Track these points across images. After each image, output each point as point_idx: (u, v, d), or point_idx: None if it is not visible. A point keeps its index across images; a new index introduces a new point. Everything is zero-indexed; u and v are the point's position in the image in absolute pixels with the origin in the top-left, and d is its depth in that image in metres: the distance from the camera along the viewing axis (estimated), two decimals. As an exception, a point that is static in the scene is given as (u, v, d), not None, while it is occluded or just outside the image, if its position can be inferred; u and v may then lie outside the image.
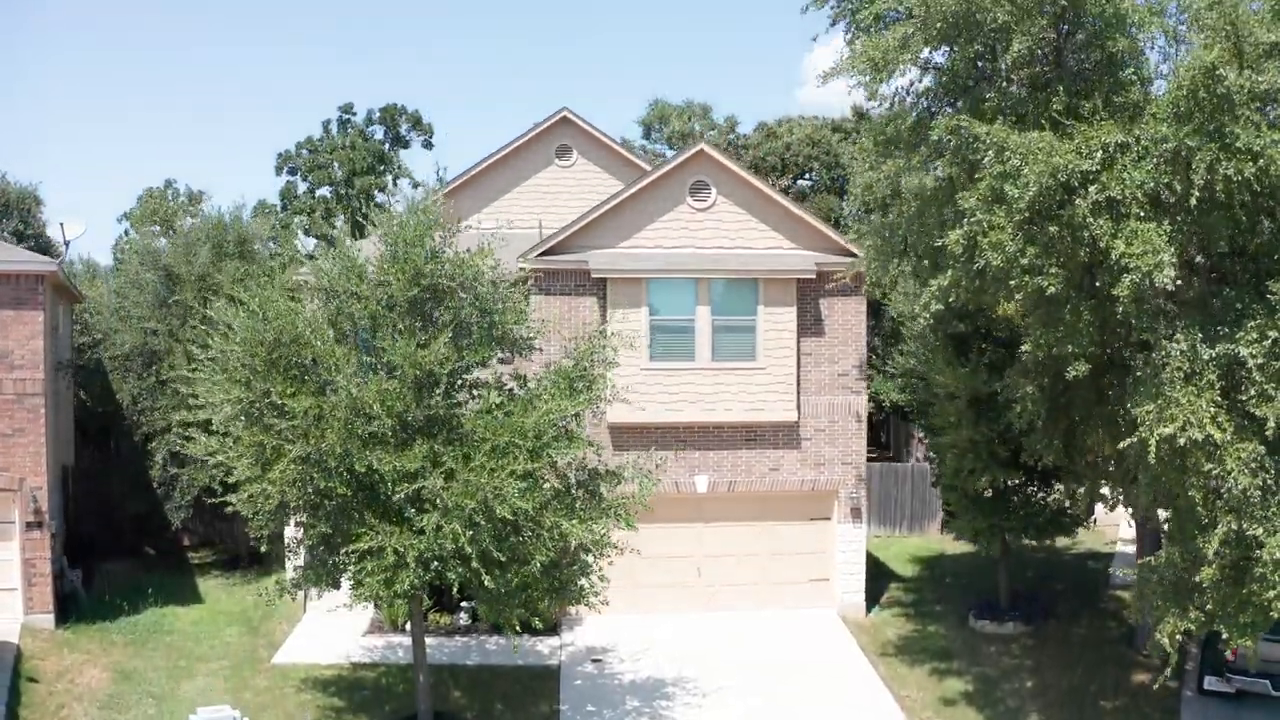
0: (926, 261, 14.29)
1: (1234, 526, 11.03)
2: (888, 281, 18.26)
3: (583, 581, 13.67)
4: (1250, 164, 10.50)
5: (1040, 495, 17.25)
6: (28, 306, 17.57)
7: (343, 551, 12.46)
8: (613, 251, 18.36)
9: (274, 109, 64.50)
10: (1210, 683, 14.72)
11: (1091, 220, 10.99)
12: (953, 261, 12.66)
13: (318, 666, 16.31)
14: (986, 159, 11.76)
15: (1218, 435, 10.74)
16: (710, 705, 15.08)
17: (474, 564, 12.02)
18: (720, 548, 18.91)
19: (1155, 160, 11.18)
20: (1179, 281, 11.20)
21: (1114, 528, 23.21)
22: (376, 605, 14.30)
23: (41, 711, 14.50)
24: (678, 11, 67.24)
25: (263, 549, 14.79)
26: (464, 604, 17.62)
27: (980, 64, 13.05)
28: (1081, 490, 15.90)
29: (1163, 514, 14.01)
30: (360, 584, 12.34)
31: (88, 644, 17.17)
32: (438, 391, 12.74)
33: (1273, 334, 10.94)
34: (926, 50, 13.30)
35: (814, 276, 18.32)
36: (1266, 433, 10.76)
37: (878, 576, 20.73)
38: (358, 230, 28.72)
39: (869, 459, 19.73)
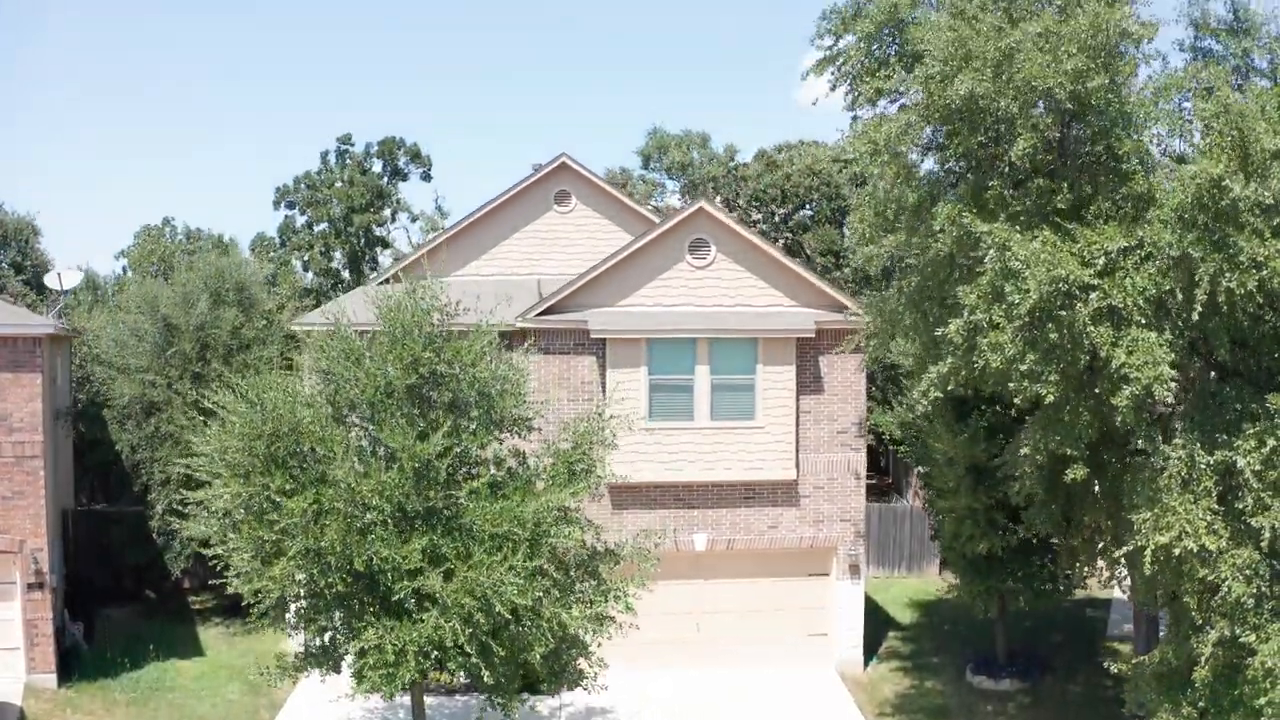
0: (926, 340, 14.30)
1: (1227, 632, 11.10)
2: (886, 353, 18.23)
3: (582, 663, 13.75)
4: (1253, 277, 10.49)
5: (1038, 561, 17.31)
6: (26, 369, 17.58)
7: (343, 648, 12.51)
8: (612, 311, 18.34)
9: (273, 140, 64.35)
10: None
11: (1092, 328, 10.99)
12: (952, 350, 12.68)
13: (319, 731, 16.39)
14: (988, 257, 11.74)
15: (1212, 545, 10.79)
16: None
17: (473, 658, 12.12)
18: (719, 603, 18.98)
19: (1158, 265, 11.18)
20: (1178, 388, 11.22)
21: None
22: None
23: (45, 779, 14.60)
24: (674, 28, 66.87)
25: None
26: (464, 664, 17.67)
27: (983, 151, 12.99)
28: (1079, 563, 15.96)
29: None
30: (362, 677, 12.41)
31: (90, 704, 17.28)
32: (437, 484, 12.76)
33: (1271, 442, 10.97)
34: (929, 129, 13.31)
35: (813, 335, 18.31)
36: (1261, 543, 10.80)
37: (876, 623, 20.81)
38: (355, 266, 28.75)
39: (868, 483, 19.72)
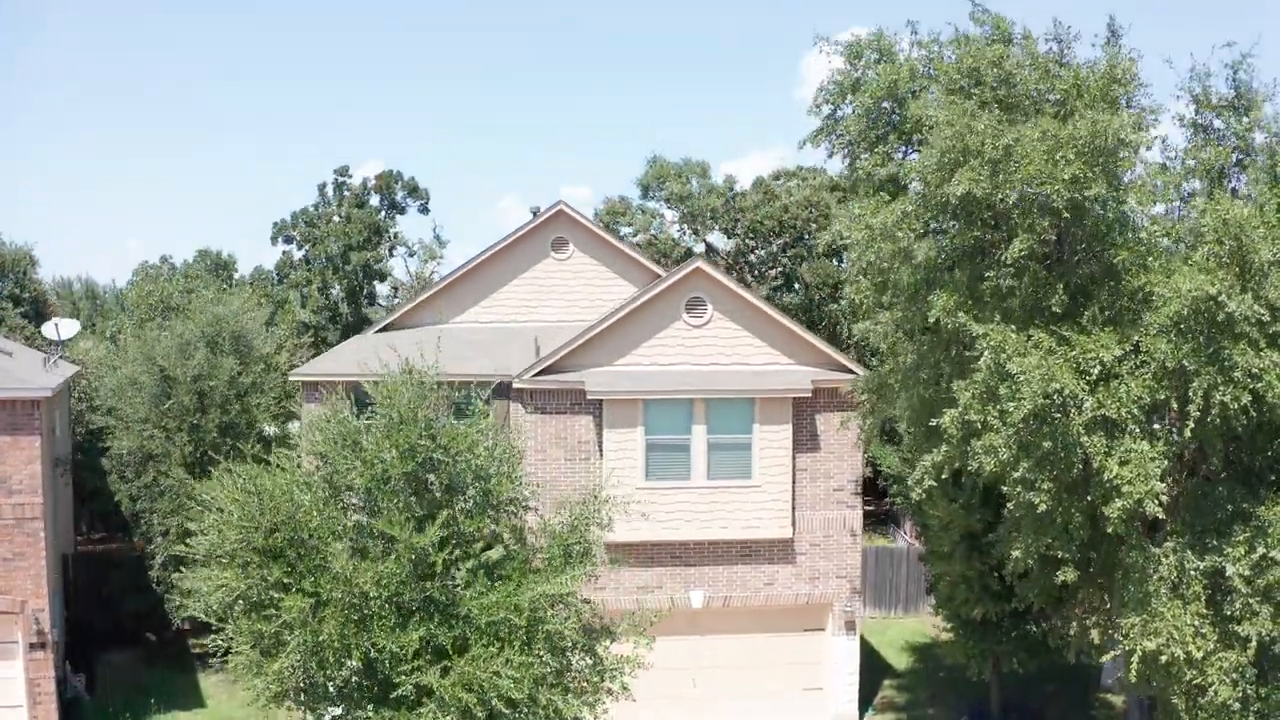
0: (922, 416, 14.37)
1: (1216, 732, 11.24)
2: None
3: (579, 737, 13.85)
4: (1247, 392, 10.55)
5: (1033, 627, 17.42)
6: (25, 431, 17.65)
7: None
8: (609, 371, 18.39)
9: (272, 171, 64.32)
10: None
11: (1086, 438, 11.05)
12: (946, 439, 12.75)
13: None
14: (983, 359, 11.79)
15: (1199, 653, 10.90)
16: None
17: (470, 750, 12.24)
18: (715, 659, 19.11)
19: (1153, 370, 11.23)
20: (1169, 493, 11.31)
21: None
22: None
23: None
24: (674, 28, 66.56)
25: None
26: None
27: (979, 243, 13.01)
28: (1072, 634, 16.06)
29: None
30: (361, 766, 12.53)
31: (92, 762, 17.45)
32: (435, 574, 12.84)
33: (1260, 549, 11.06)
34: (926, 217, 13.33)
35: (810, 394, 18.37)
36: (1248, 651, 10.91)
37: (872, 669, 20.97)
38: (353, 300, 28.77)
39: (865, 509, 19.77)
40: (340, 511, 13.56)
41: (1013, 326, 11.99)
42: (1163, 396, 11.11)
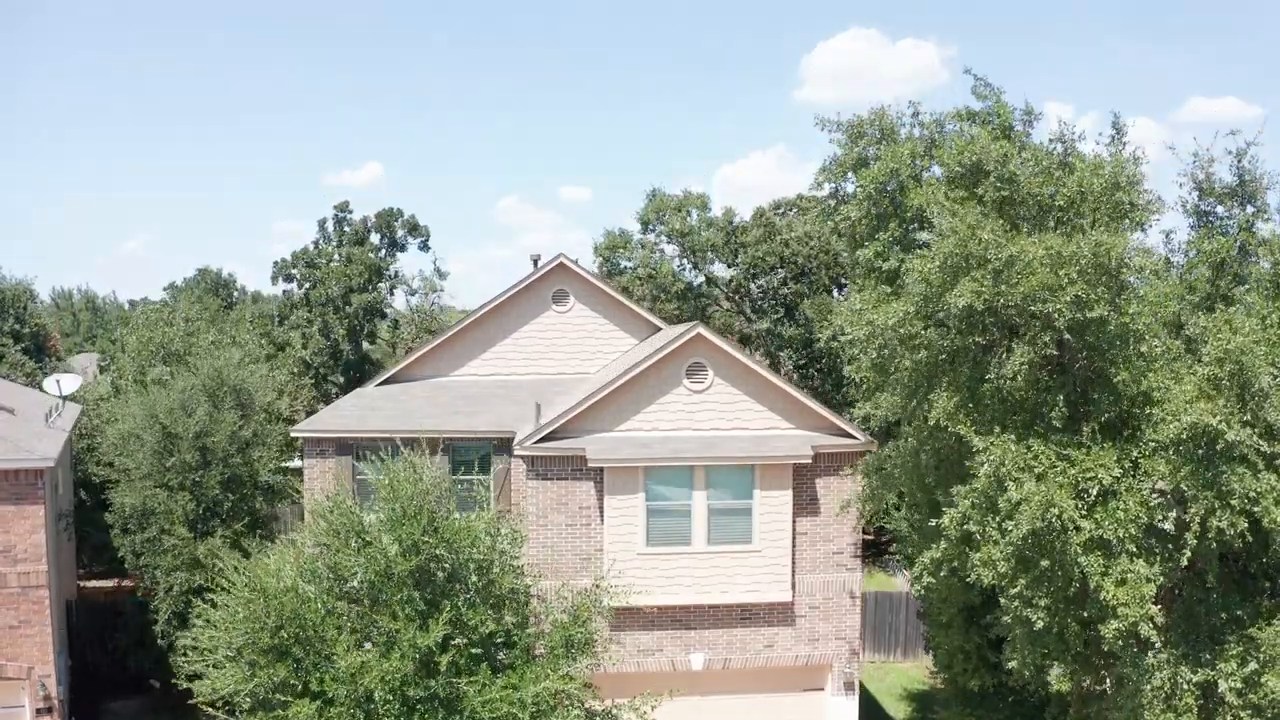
0: (922, 504, 14.48)
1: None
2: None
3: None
4: (1244, 518, 10.65)
5: (1031, 699, 17.58)
6: (28, 501, 17.76)
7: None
8: (610, 438, 18.47)
9: (272, 203, 64.17)
10: None
11: (1083, 558, 11.15)
12: (945, 536, 12.85)
13: None
14: (982, 471, 11.88)
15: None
16: None
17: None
18: (716, 719, 19.27)
19: (1152, 486, 11.32)
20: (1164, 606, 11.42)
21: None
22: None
23: None
24: (674, 28, 66.28)
25: None
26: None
27: (981, 346, 13.06)
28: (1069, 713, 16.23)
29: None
30: None
31: (97, 825, 17.60)
32: (439, 672, 12.96)
33: (1252, 664, 11.18)
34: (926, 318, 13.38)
35: (810, 461, 18.46)
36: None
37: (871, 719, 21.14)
38: (354, 338, 28.79)
39: (865, 538, 19.87)
40: (344, 603, 13.70)
41: (1012, 436, 12.05)
42: (1160, 516, 11.19)
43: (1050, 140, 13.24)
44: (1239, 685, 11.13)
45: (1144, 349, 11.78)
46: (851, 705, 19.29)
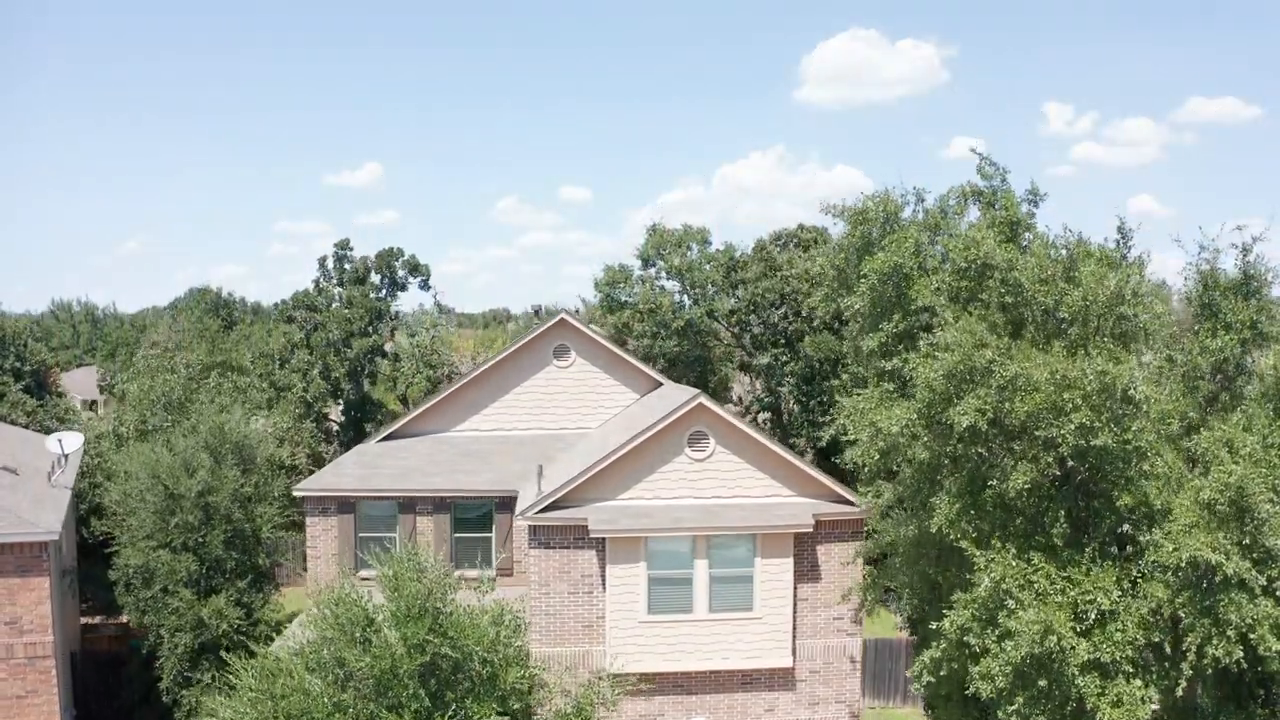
0: (923, 594, 14.59)
1: None
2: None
3: None
4: (1240, 646, 10.74)
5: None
6: (34, 573, 17.85)
7: None
8: (612, 507, 18.54)
9: (272, 203, 63.93)
10: None
11: (1081, 679, 11.25)
12: (945, 638, 12.95)
13: None
14: (982, 586, 11.96)
15: None
16: None
17: None
18: (717, 780, 19.45)
19: (1151, 608, 11.41)
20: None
21: None
22: None
23: None
24: (673, 29, 65.92)
25: None
26: None
27: (983, 458, 13.11)
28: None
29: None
30: None
31: None
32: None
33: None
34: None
35: (811, 529, 18.55)
36: None
37: (870, 772, 21.35)
38: (355, 378, 28.82)
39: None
40: (350, 695, 13.80)
41: (1012, 550, 12.13)
42: (1157, 639, 11.29)
43: (1054, 243, 13.23)
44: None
45: (1146, 467, 11.84)
46: (851, 767, 19.47)
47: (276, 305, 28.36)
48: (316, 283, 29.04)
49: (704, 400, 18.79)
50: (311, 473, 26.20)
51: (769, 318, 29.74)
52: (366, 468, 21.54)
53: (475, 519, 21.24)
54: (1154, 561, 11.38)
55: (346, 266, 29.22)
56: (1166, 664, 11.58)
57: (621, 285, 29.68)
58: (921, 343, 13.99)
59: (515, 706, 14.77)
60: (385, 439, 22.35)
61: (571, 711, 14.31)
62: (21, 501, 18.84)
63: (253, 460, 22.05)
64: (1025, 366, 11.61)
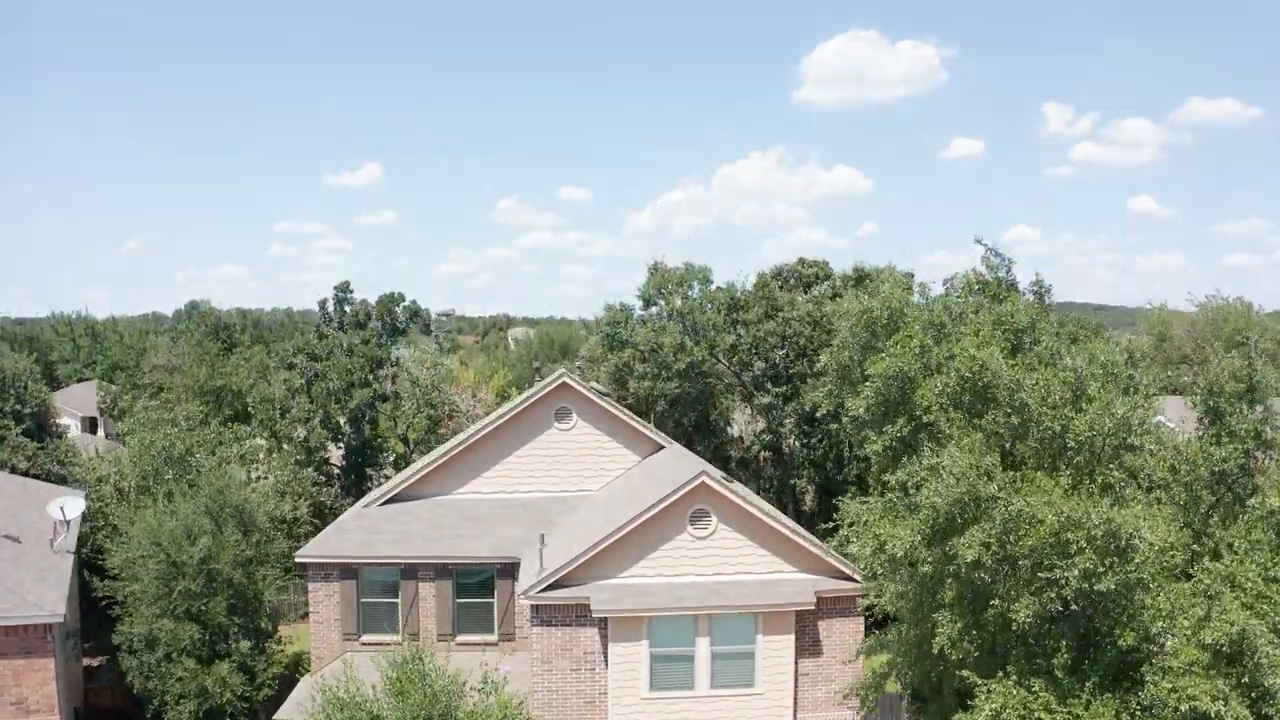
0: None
1: None
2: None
3: None
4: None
5: None
6: (39, 654, 17.93)
7: None
8: (614, 585, 18.58)
9: (272, 203, 63.64)
10: None
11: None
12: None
13: None
14: (984, 713, 12.01)
15: None
16: None
17: None
18: None
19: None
20: None
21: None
22: None
23: None
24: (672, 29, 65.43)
25: None
26: None
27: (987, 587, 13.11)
28: None
29: None
30: None
31: None
32: None
33: None
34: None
35: (813, 606, 18.60)
36: None
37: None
38: (356, 425, 28.78)
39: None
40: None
41: (1014, 677, 12.17)
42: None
43: (1065, 370, 13.14)
44: None
45: (1148, 600, 11.86)
46: (852, 838, 19.60)
47: (277, 354, 28.35)
48: (317, 328, 28.95)
49: (706, 479, 18.79)
50: (313, 526, 26.25)
51: (771, 358, 29.69)
52: (368, 532, 21.55)
53: (477, 585, 21.26)
54: (1154, 696, 11.42)
55: (347, 309, 29.16)
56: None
57: (622, 325, 29.61)
58: (926, 450, 13.98)
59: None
60: (387, 502, 22.33)
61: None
62: (25, 579, 18.87)
63: (253, 522, 22.06)
64: (1030, 504, 11.61)
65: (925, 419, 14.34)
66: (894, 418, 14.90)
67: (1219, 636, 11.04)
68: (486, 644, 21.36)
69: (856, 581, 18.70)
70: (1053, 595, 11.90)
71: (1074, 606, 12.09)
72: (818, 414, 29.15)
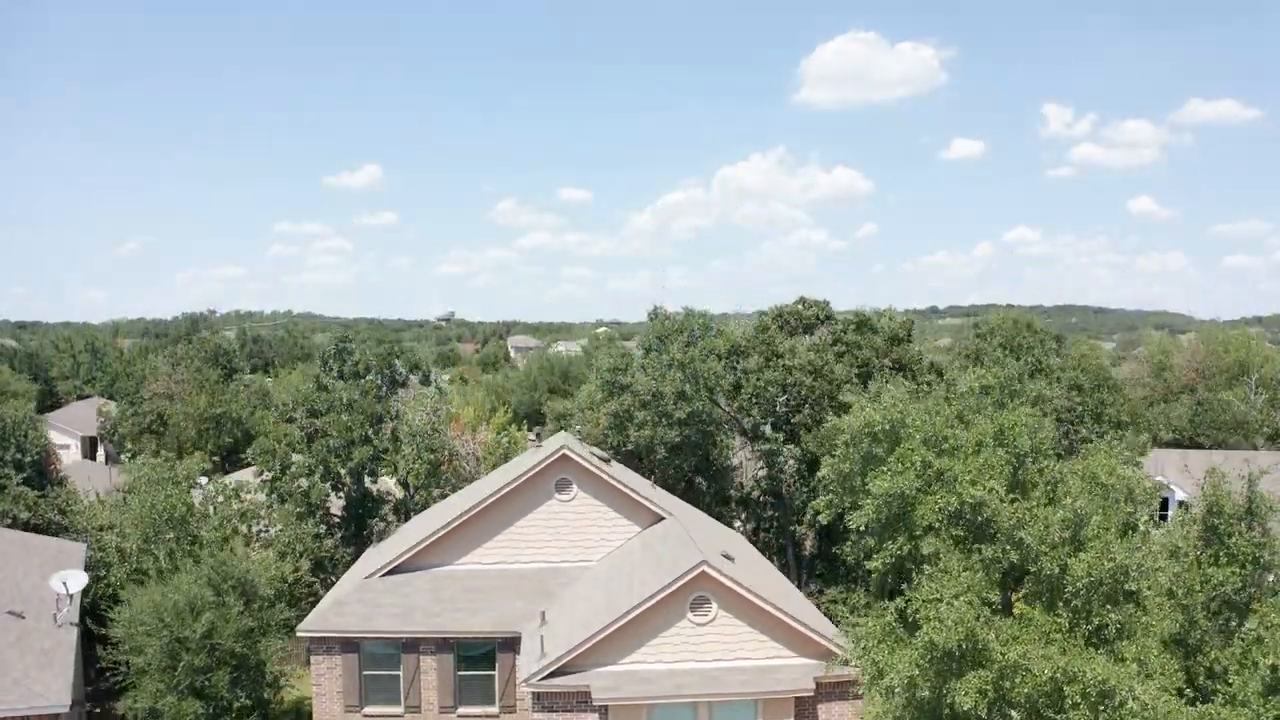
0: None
1: None
2: None
3: None
4: None
5: None
6: (43, 743, 17.98)
7: None
8: (615, 673, 18.67)
9: (272, 203, 63.25)
10: None
11: None
12: None
13: None
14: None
15: None
16: None
17: None
18: None
19: None
20: None
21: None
22: None
23: None
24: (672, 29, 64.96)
25: None
26: None
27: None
28: None
29: None
30: None
31: None
32: None
33: None
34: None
35: (812, 693, 18.70)
36: None
37: None
38: (357, 478, 28.82)
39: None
40: None
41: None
42: None
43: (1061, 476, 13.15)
44: None
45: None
46: None
47: (277, 408, 28.40)
48: (317, 378, 28.93)
49: (707, 569, 18.85)
50: (313, 590, 26.29)
51: (771, 406, 29.70)
52: (369, 605, 21.63)
53: (479, 658, 21.38)
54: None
55: (347, 361, 29.14)
56: None
57: (623, 373, 29.58)
58: (924, 578, 14.02)
59: None
60: (389, 573, 22.38)
61: None
62: (30, 666, 18.93)
63: (255, 591, 22.11)
64: (1028, 655, 11.67)
65: (924, 549, 14.40)
66: (894, 534, 14.95)
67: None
68: (488, 716, 21.52)
69: (856, 666, 18.81)
70: (1042, 700, 12.00)
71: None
72: (817, 453, 29.25)
